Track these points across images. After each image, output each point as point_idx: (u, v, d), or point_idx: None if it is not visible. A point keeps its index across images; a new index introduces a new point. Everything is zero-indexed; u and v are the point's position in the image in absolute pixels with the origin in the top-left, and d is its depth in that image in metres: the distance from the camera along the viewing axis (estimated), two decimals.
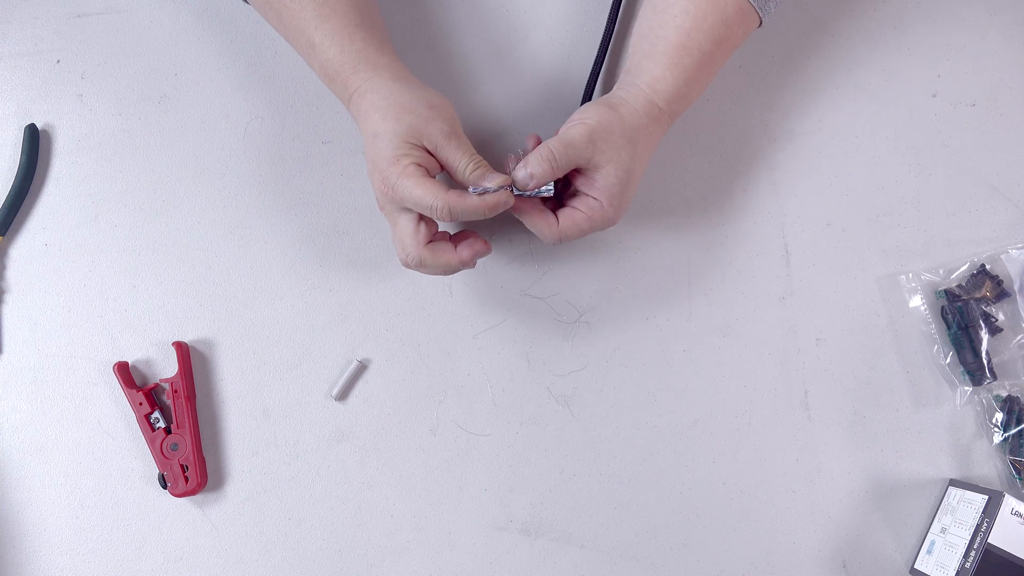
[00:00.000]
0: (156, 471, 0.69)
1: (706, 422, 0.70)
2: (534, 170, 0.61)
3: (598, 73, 0.72)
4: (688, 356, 0.71)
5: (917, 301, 0.71)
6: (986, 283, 0.70)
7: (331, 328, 0.71)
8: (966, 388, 0.70)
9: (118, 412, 0.70)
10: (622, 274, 0.71)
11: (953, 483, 0.69)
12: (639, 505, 0.69)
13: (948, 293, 0.71)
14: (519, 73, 0.73)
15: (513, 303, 0.71)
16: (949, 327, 0.70)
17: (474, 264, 0.64)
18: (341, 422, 0.70)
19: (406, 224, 0.61)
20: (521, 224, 0.64)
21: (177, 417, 0.69)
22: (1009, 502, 0.64)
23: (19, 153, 0.72)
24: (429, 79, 0.72)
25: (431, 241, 0.61)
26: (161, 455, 0.68)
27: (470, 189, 0.61)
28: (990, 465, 0.70)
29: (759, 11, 0.65)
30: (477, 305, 0.71)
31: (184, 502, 0.69)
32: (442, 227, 0.68)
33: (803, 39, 0.74)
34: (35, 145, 0.72)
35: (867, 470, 0.70)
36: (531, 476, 0.70)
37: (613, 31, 0.72)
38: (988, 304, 0.70)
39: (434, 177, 0.60)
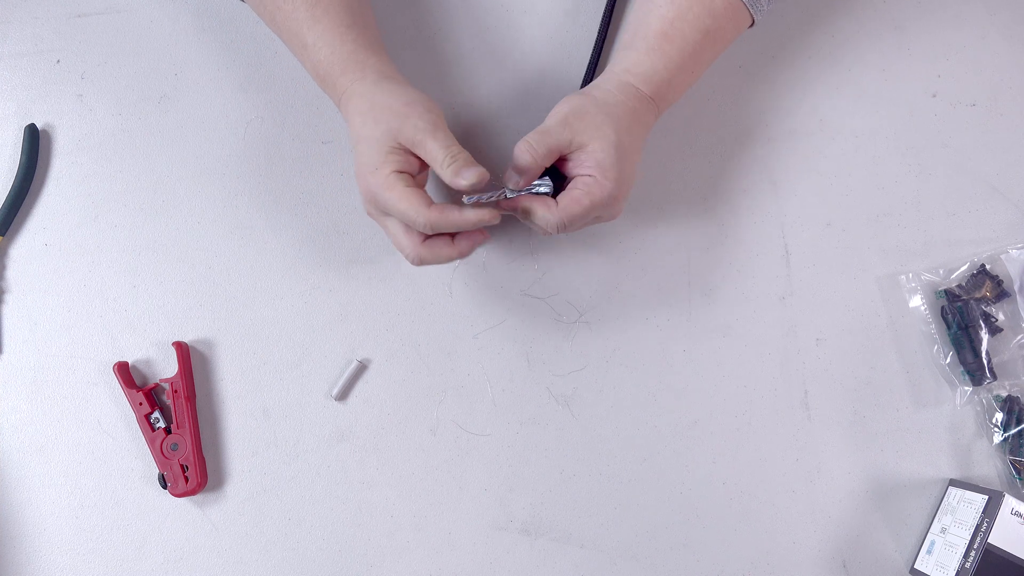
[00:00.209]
0: (156, 471, 0.69)
1: (706, 422, 0.70)
2: (518, 161, 0.61)
3: (594, 68, 0.72)
4: (688, 356, 0.71)
5: (917, 301, 0.71)
6: (986, 283, 0.70)
7: (331, 328, 0.71)
8: (966, 388, 0.70)
9: (118, 412, 0.70)
10: (622, 274, 0.71)
11: (953, 483, 0.69)
12: (639, 505, 0.69)
13: (948, 293, 0.71)
14: (517, 71, 0.73)
15: (513, 303, 0.71)
16: (949, 327, 0.70)
17: (470, 252, 0.63)
18: (341, 422, 0.70)
19: (396, 227, 0.61)
20: (521, 224, 0.64)
21: (177, 417, 0.69)
22: (1009, 502, 0.64)
23: (19, 153, 0.72)
24: (426, 78, 0.73)
25: (428, 238, 0.61)
26: (161, 455, 0.68)
27: (464, 199, 0.60)
28: (990, 465, 0.70)
29: (750, 8, 0.65)
30: (477, 305, 0.71)
31: (184, 502, 0.69)
32: None
33: (803, 39, 0.74)
34: (35, 145, 0.72)
35: (867, 470, 0.70)
36: (531, 476, 0.70)
37: (608, 29, 0.72)
38: (988, 304, 0.70)
39: (415, 176, 0.60)
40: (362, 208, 0.71)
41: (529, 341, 0.71)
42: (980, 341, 0.69)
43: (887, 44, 0.74)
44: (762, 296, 0.71)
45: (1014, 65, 0.74)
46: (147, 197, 0.72)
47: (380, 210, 0.61)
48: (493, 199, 0.62)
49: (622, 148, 0.61)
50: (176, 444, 0.69)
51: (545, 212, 0.61)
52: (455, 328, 0.71)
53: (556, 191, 0.62)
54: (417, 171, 0.61)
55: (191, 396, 0.69)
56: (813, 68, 0.74)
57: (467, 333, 0.71)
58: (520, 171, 0.61)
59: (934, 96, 0.74)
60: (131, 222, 0.72)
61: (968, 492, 0.67)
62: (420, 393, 0.70)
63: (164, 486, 0.68)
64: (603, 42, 0.72)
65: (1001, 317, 0.70)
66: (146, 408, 0.69)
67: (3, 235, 0.71)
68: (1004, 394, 0.70)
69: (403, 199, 0.58)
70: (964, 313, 0.70)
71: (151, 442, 0.69)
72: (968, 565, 0.64)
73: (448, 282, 0.71)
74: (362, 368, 0.70)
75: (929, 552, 0.67)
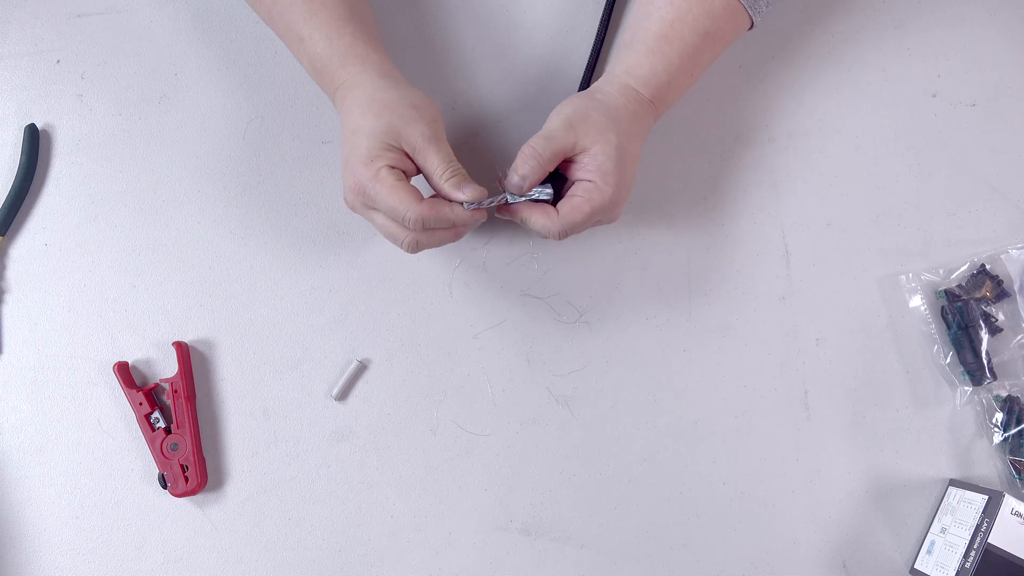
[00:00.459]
0: (156, 471, 0.69)
1: (706, 422, 0.70)
2: (523, 171, 0.61)
3: (593, 68, 0.72)
4: (688, 356, 0.71)
5: (917, 301, 0.71)
6: (986, 283, 0.70)
7: (331, 328, 0.71)
8: (966, 388, 0.70)
9: (118, 412, 0.70)
10: (622, 274, 0.71)
11: (953, 483, 0.69)
12: (639, 505, 0.69)
13: (948, 293, 0.71)
14: (517, 71, 0.73)
15: (513, 303, 0.71)
16: (949, 327, 0.70)
17: (474, 224, 0.62)
18: (341, 422, 0.70)
19: (384, 218, 0.60)
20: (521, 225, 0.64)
21: (177, 417, 0.69)
22: (1009, 502, 0.64)
23: (19, 153, 0.72)
24: (426, 78, 0.73)
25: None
26: (161, 455, 0.68)
27: (465, 205, 0.60)
28: (990, 465, 0.70)
29: (748, 9, 0.65)
30: (477, 305, 0.71)
31: (184, 502, 0.69)
32: None
33: (803, 39, 0.74)
34: (35, 145, 0.72)
35: (867, 470, 0.70)
36: (531, 476, 0.70)
37: (607, 29, 0.72)
38: (988, 304, 0.70)
39: (408, 180, 0.60)
40: None
41: (529, 341, 0.71)
42: (980, 341, 0.69)
43: (887, 44, 0.74)
44: (762, 296, 0.71)
45: (1014, 65, 0.74)
46: (147, 197, 0.72)
47: (366, 203, 0.60)
48: (493, 204, 0.62)
49: (623, 152, 0.61)
50: (176, 444, 0.69)
51: (546, 221, 0.61)
52: (455, 328, 0.71)
53: (556, 190, 0.63)
54: (409, 174, 0.61)
55: (191, 396, 0.69)
56: (813, 68, 0.74)
57: (467, 333, 0.71)
58: (524, 176, 0.61)
59: (934, 96, 0.74)
60: (131, 222, 0.72)
61: (968, 492, 0.67)
62: (420, 393, 0.70)
63: (164, 486, 0.68)
64: (602, 42, 0.72)
65: (1001, 317, 0.70)
66: (146, 408, 0.69)
67: (3, 235, 0.71)
68: (1004, 394, 0.70)
69: (393, 193, 0.58)
70: (964, 313, 0.70)
71: (151, 442, 0.69)
72: (968, 565, 0.64)
73: (448, 282, 0.71)
74: (362, 368, 0.70)
75: (929, 552, 0.67)
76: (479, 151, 0.72)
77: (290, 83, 0.73)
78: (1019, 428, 0.69)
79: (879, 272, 0.72)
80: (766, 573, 0.69)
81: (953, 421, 0.70)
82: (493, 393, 0.70)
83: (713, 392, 0.70)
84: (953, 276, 0.71)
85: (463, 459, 0.70)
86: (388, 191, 0.58)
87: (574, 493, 0.70)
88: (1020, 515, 0.64)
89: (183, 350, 0.70)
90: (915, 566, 0.68)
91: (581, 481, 0.70)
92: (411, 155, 0.60)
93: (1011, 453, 0.69)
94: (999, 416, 0.69)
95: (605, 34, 0.72)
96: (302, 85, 0.73)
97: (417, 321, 0.71)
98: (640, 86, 0.64)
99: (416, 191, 0.59)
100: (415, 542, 0.69)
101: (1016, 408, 0.69)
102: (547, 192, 0.62)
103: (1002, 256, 0.71)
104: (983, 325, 0.69)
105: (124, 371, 0.69)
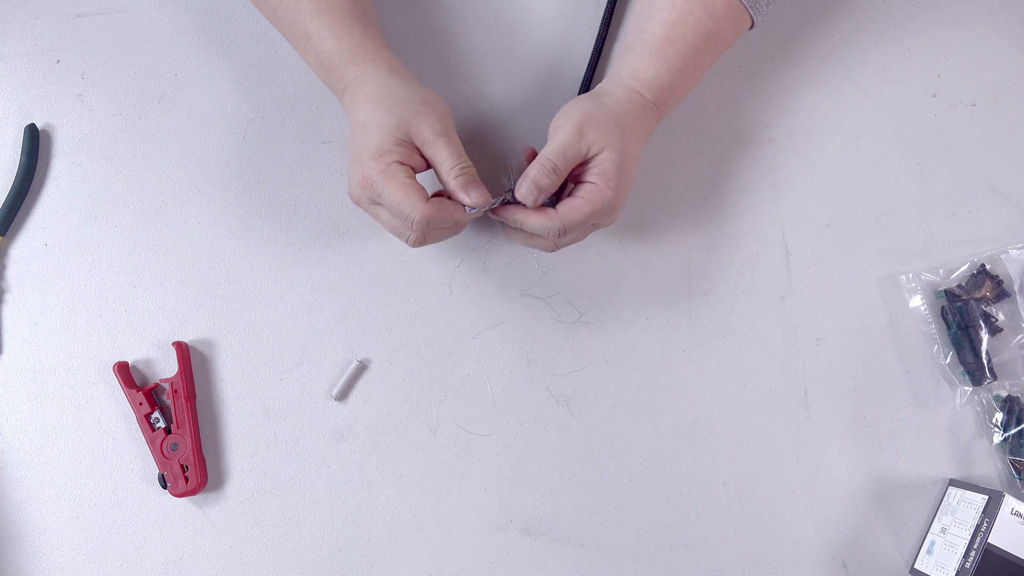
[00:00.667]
0: (156, 471, 0.69)
1: (706, 422, 0.70)
2: (541, 183, 0.61)
3: (594, 67, 0.72)
4: (688, 356, 0.71)
5: (917, 301, 0.71)
6: (986, 283, 0.70)
7: (331, 328, 0.71)
8: (966, 388, 0.70)
9: (118, 412, 0.70)
10: (622, 274, 0.71)
11: (953, 483, 0.69)
12: (639, 505, 0.69)
13: (948, 293, 0.71)
14: (517, 71, 0.73)
15: (513, 303, 0.71)
16: (949, 327, 0.70)
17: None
18: (341, 422, 0.70)
19: (388, 214, 0.60)
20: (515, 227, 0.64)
21: (177, 417, 0.69)
22: (1009, 502, 0.64)
23: (19, 153, 0.72)
24: (426, 77, 0.73)
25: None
26: (161, 455, 0.68)
27: (467, 210, 0.60)
28: (990, 465, 0.70)
29: (750, 9, 0.65)
30: (477, 305, 0.71)
31: (184, 502, 0.69)
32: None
33: (803, 39, 0.74)
34: (35, 145, 0.72)
35: (867, 470, 0.70)
36: (531, 476, 0.70)
37: (608, 30, 0.72)
38: (988, 304, 0.70)
39: (415, 175, 0.60)
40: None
41: (529, 341, 0.71)
42: (980, 341, 0.69)
43: (887, 44, 0.74)
44: (762, 296, 0.71)
45: (1014, 65, 0.74)
46: (147, 197, 0.72)
47: (372, 198, 0.60)
48: (495, 206, 0.62)
49: (626, 157, 0.62)
50: (176, 444, 0.69)
51: (545, 221, 0.61)
52: (455, 328, 0.71)
53: (555, 198, 0.63)
54: (418, 170, 0.61)
55: (191, 396, 0.69)
56: (813, 68, 0.74)
57: (467, 333, 0.71)
58: (543, 189, 0.61)
59: (934, 96, 0.74)
60: (131, 222, 0.72)
61: (968, 492, 0.67)
62: (420, 393, 0.70)
63: (164, 486, 0.68)
64: (603, 42, 0.72)
65: (1001, 317, 0.70)
66: (146, 408, 0.69)
67: (3, 235, 0.71)
68: (1004, 394, 0.70)
69: (401, 190, 0.58)
70: (964, 313, 0.70)
71: (151, 442, 0.69)
72: (968, 565, 0.64)
73: (448, 282, 0.71)
74: (362, 368, 0.70)
75: (929, 552, 0.67)
76: (480, 151, 0.72)
77: (290, 83, 0.73)
78: (1019, 428, 0.69)
79: (879, 272, 0.72)
80: (766, 573, 0.69)
81: (953, 421, 0.70)
82: (493, 393, 0.70)
83: (713, 392, 0.70)
84: (953, 276, 0.71)
85: (463, 459, 0.70)
86: (396, 188, 0.58)
87: (574, 493, 0.70)
88: (1020, 515, 0.64)
89: (183, 350, 0.70)
90: (915, 566, 0.68)
91: (581, 481, 0.70)
92: (421, 149, 0.60)
93: (1011, 453, 0.69)
94: (999, 416, 0.69)
95: (606, 35, 0.72)
96: (302, 85, 0.73)
97: (417, 321, 0.71)
98: (644, 89, 0.64)
99: (423, 191, 0.59)
100: (415, 542, 0.69)
101: (1016, 408, 0.69)
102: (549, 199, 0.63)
103: (1002, 256, 0.71)
104: (983, 325, 0.69)
105: (124, 371, 0.69)
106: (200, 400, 0.70)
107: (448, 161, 0.60)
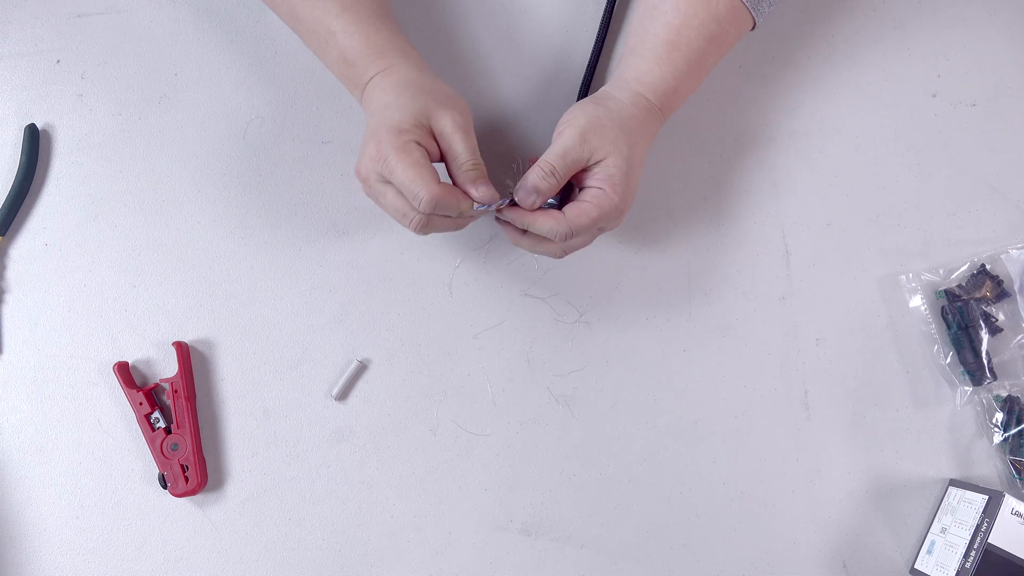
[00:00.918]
0: (156, 471, 0.69)
1: (706, 422, 0.70)
2: (540, 186, 0.60)
3: (594, 68, 0.72)
4: (688, 356, 0.71)
5: (917, 301, 0.71)
6: (986, 283, 0.70)
7: (331, 328, 0.71)
8: (966, 388, 0.70)
9: (118, 412, 0.70)
10: (622, 274, 0.71)
11: (953, 483, 0.69)
12: (639, 505, 0.69)
13: (948, 293, 0.71)
14: (517, 71, 0.73)
15: (513, 303, 0.71)
16: (949, 327, 0.70)
17: (478, 215, 0.62)
18: (341, 422, 0.70)
19: (395, 196, 0.60)
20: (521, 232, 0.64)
21: (177, 417, 0.69)
22: (1009, 502, 0.64)
23: (19, 153, 0.72)
24: None
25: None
26: (161, 455, 0.68)
27: (475, 207, 0.60)
28: (990, 465, 0.70)
29: (752, 11, 0.65)
30: (477, 305, 0.71)
31: (184, 502, 0.69)
32: None
33: (803, 39, 0.74)
34: (35, 145, 0.72)
35: (867, 470, 0.70)
36: (531, 476, 0.70)
37: (607, 31, 0.72)
38: (988, 304, 0.70)
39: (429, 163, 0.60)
40: (362, 208, 0.71)
41: (529, 341, 0.71)
42: (980, 341, 0.69)
43: (887, 44, 0.74)
44: (762, 296, 0.71)
45: (1014, 65, 0.74)
46: (147, 197, 0.72)
47: (383, 174, 0.59)
48: (502, 206, 0.62)
49: (631, 162, 0.62)
50: (176, 444, 0.69)
51: (553, 223, 0.61)
52: (455, 328, 0.71)
53: (561, 194, 0.63)
54: (432, 157, 0.61)
55: (191, 396, 0.69)
56: (813, 68, 0.74)
57: (467, 333, 0.71)
58: (541, 193, 0.61)
59: (934, 96, 0.74)
60: (131, 222, 0.72)
61: (968, 492, 0.67)
62: (420, 393, 0.70)
63: (164, 486, 0.68)
64: (602, 44, 0.72)
65: (1001, 317, 0.70)
66: (146, 408, 0.69)
67: (3, 235, 0.71)
68: (1004, 394, 0.70)
69: (414, 167, 0.58)
70: (964, 313, 0.70)
71: (151, 442, 0.69)
72: (968, 565, 0.64)
73: (448, 282, 0.71)
74: (362, 368, 0.70)
75: (929, 552, 0.67)
76: (481, 151, 0.72)
77: (290, 83, 0.73)
78: (1019, 428, 0.69)
79: (879, 272, 0.72)
80: (766, 573, 0.69)
81: (953, 421, 0.70)
82: (493, 393, 0.70)
83: (713, 392, 0.70)
84: (953, 276, 0.71)
85: (463, 459, 0.70)
86: (410, 164, 0.58)
87: (574, 493, 0.70)
88: (1020, 515, 0.64)
89: (183, 350, 0.70)
90: (915, 566, 0.68)
91: (581, 481, 0.70)
92: (438, 139, 0.60)
93: (1011, 453, 0.69)
94: (999, 416, 0.69)
95: (605, 37, 0.72)
96: (302, 85, 0.73)
97: (417, 321, 0.71)
98: (649, 93, 0.64)
99: (435, 172, 0.59)
100: (415, 542, 0.69)
101: (1016, 408, 0.69)
102: (552, 198, 0.62)
103: (1002, 256, 0.71)
104: (983, 325, 0.69)
105: (124, 371, 0.69)
106: (200, 400, 0.70)
107: (463, 155, 0.60)
